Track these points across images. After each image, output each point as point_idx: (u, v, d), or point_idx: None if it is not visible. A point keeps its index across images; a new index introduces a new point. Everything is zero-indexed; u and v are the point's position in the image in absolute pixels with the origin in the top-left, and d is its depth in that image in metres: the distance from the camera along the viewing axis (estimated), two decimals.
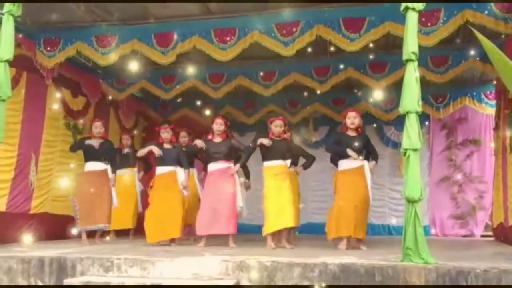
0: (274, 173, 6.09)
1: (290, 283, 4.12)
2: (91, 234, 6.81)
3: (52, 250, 5.23)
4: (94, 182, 6.69)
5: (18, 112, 6.66)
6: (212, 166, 6.39)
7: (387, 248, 5.71)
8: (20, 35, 6.24)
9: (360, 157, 5.99)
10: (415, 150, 4.32)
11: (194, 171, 7.66)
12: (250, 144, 6.40)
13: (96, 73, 8.35)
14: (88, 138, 6.91)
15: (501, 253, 5.65)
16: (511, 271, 3.76)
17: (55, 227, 7.28)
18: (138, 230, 8.17)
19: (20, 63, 6.43)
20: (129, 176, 7.87)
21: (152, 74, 8.47)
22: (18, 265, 4.67)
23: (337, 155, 6.16)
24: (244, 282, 4.19)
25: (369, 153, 6.18)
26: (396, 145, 9.57)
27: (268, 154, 6.15)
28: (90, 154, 6.82)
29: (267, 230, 5.92)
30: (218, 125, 6.40)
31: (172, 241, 6.51)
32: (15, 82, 6.36)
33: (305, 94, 9.05)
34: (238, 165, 6.30)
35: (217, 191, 6.21)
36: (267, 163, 6.15)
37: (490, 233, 8.91)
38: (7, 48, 5.19)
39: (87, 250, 5.44)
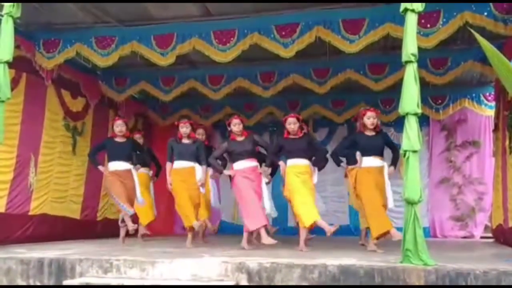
0: (297, 171, 5.98)
1: (289, 284, 4.11)
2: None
3: (51, 251, 5.23)
4: (122, 177, 6.70)
5: (18, 113, 6.66)
6: (239, 165, 6.21)
7: (387, 249, 5.70)
8: (19, 37, 6.24)
9: (380, 159, 5.91)
10: (414, 151, 4.32)
11: (210, 170, 7.66)
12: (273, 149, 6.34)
13: (96, 74, 8.35)
14: (110, 139, 6.91)
15: (501, 254, 5.65)
16: (511, 273, 3.77)
17: (54, 228, 7.28)
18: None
19: (20, 65, 6.44)
20: (143, 175, 7.72)
21: (152, 76, 8.47)
22: (18, 266, 4.67)
23: (348, 158, 6.15)
24: (243, 284, 4.19)
25: (391, 150, 6.06)
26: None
27: (290, 153, 6.10)
28: (113, 153, 6.78)
29: (308, 220, 5.75)
30: (237, 126, 6.26)
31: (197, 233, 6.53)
32: (14, 83, 6.36)
33: (305, 95, 9.05)
34: (266, 168, 6.25)
35: (252, 188, 6.08)
36: (289, 162, 6.09)
37: (490, 234, 8.91)
38: (6, 50, 5.20)
39: (86, 251, 5.43)
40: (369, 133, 5.97)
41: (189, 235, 6.40)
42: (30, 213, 6.91)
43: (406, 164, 4.37)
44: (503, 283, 3.74)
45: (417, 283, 3.88)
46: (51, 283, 4.56)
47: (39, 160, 7.12)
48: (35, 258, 4.69)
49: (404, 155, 4.36)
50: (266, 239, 5.80)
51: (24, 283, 4.62)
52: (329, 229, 5.64)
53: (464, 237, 9.47)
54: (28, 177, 6.87)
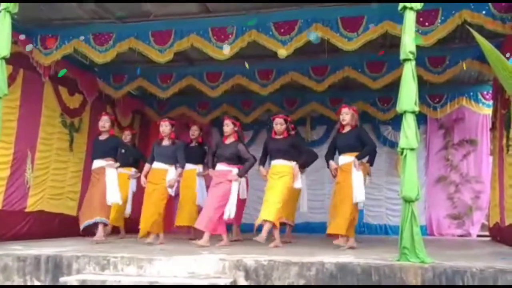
0: (273, 172, 6.13)
1: (287, 282, 4.12)
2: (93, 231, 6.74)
3: (48, 249, 5.22)
4: (93, 180, 6.66)
5: (14, 110, 6.63)
6: (216, 167, 6.32)
7: (384, 247, 5.72)
8: (17, 33, 6.21)
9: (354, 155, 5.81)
10: (412, 149, 4.32)
11: (198, 168, 7.67)
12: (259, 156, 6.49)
13: (93, 71, 8.33)
14: (96, 137, 6.88)
15: (497, 252, 5.67)
16: (507, 271, 3.78)
17: (51, 225, 7.27)
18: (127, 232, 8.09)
19: (17, 61, 6.42)
20: (124, 175, 7.62)
21: (149, 72, 8.45)
22: (14, 263, 4.66)
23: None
24: (240, 281, 4.19)
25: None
26: (393, 144, 9.59)
27: (271, 153, 6.26)
28: (94, 151, 6.79)
29: (260, 218, 5.96)
30: (225, 126, 6.32)
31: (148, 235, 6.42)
32: (11, 79, 6.34)
33: (303, 93, 9.04)
34: (236, 175, 6.15)
35: (214, 192, 6.18)
36: (271, 162, 6.24)
37: (486, 233, 8.93)
38: (3, 45, 5.19)
39: (83, 248, 5.43)
40: (345, 130, 6.04)
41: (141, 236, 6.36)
42: (27, 210, 6.88)
43: (403, 162, 4.37)
44: (499, 282, 3.75)
45: (414, 281, 3.89)
46: (48, 280, 4.55)
47: (36, 156, 7.09)
48: (32, 255, 4.68)
49: (402, 153, 4.37)
50: (202, 241, 5.95)
51: (20, 280, 4.62)
52: (262, 237, 5.80)
53: (461, 236, 9.49)
54: (25, 174, 6.84)
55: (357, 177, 5.70)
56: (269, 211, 5.90)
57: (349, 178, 5.75)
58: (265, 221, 5.92)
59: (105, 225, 6.69)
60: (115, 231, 7.84)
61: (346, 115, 5.97)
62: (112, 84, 8.62)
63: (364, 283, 3.99)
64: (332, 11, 6.14)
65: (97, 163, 6.69)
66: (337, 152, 6.17)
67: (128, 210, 7.82)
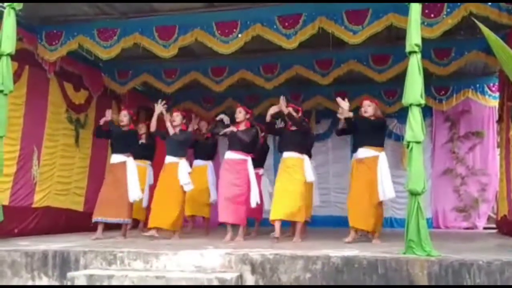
0: (287, 165, 6.05)
1: (293, 276, 4.13)
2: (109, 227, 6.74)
3: (56, 244, 5.25)
4: (112, 175, 6.52)
5: (20, 106, 6.66)
6: (227, 154, 6.22)
7: (390, 240, 5.70)
8: (22, 29, 6.22)
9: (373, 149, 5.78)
10: (418, 142, 4.31)
11: (209, 164, 7.67)
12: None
13: (98, 66, 8.34)
14: (118, 127, 6.77)
15: (504, 245, 5.65)
16: None
17: (58, 221, 7.31)
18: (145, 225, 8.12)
19: (22, 57, 6.44)
20: (140, 168, 7.40)
21: (154, 68, 8.45)
22: (22, 258, 4.69)
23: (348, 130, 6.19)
24: (247, 275, 4.20)
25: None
26: (399, 137, 9.55)
27: (283, 144, 6.20)
28: (114, 145, 6.76)
29: (272, 216, 5.92)
30: (237, 113, 6.29)
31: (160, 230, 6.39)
32: (17, 76, 6.36)
33: (307, 86, 9.01)
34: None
35: (229, 181, 6.08)
36: (283, 154, 6.17)
37: (493, 225, 8.90)
38: (9, 42, 5.20)
39: (90, 243, 5.46)
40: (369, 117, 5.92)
41: (153, 231, 6.27)
42: (33, 206, 6.93)
43: (409, 155, 4.36)
44: (506, 274, 3.74)
45: (420, 274, 3.89)
46: (55, 275, 4.59)
47: (42, 152, 7.12)
48: (40, 251, 4.71)
49: (408, 146, 4.35)
50: (238, 236, 5.97)
51: (28, 276, 4.65)
52: (275, 236, 5.82)
53: (467, 228, 9.46)
54: (31, 170, 6.88)
55: (385, 174, 5.63)
56: (281, 211, 5.88)
57: (366, 173, 5.67)
58: (296, 222, 6.04)
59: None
60: (134, 224, 7.72)
61: (369, 107, 5.89)
62: (117, 79, 8.63)
63: (370, 276, 3.99)
64: (337, 4, 6.10)
65: (116, 158, 6.55)
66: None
67: (144, 203, 7.75)
